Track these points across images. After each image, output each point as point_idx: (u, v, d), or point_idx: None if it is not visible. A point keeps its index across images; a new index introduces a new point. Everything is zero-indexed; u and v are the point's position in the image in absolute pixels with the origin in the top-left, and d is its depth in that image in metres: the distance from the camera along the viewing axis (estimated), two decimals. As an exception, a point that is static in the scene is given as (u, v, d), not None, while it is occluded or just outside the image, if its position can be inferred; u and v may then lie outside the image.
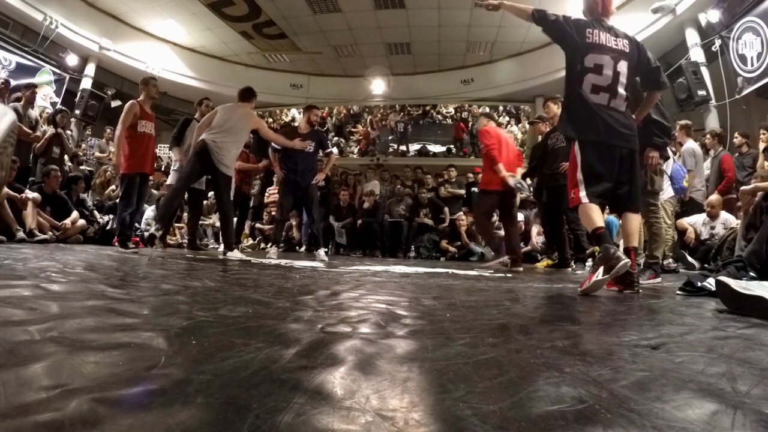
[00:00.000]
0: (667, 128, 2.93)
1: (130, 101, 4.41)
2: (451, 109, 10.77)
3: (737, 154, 5.48)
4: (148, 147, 4.37)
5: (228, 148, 4.03)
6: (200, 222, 7.71)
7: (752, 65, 5.62)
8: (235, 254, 4.03)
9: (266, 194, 8.37)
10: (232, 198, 6.17)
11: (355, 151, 10.92)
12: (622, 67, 2.28)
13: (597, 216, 2.18)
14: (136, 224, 6.44)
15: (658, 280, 2.87)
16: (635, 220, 2.36)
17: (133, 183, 4.28)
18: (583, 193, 2.19)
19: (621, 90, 2.27)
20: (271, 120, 11.36)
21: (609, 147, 2.21)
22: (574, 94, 2.27)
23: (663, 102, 3.00)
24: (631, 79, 2.33)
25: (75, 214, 5.28)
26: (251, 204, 6.46)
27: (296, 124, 5.96)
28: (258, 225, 7.84)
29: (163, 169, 8.37)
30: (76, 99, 8.18)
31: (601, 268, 2.07)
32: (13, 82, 6.15)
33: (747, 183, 4.57)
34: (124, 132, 4.21)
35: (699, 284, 2.03)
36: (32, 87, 6.05)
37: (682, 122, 5.46)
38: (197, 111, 5.18)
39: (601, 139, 2.20)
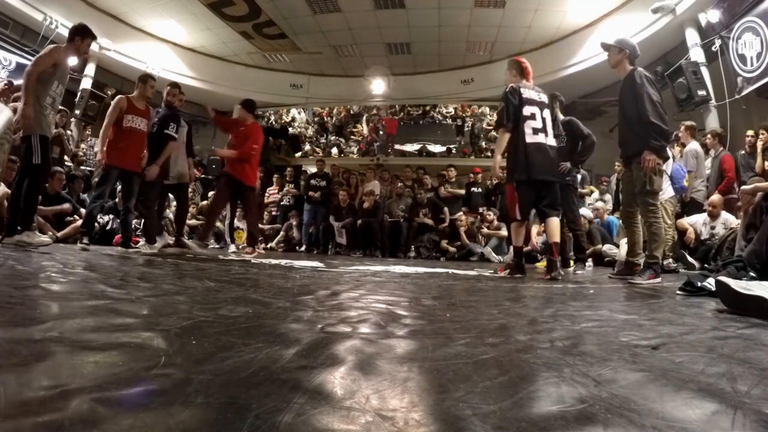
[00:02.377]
0: (664, 131, 2.93)
1: (119, 96, 4.30)
2: (451, 109, 10.76)
3: (743, 152, 5.42)
4: (131, 142, 4.17)
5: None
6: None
7: (752, 65, 5.61)
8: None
9: (266, 194, 8.37)
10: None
11: (355, 151, 10.91)
12: (546, 114, 3.24)
13: (521, 237, 3.38)
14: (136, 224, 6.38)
15: (658, 280, 2.87)
16: (555, 221, 3.27)
17: (108, 175, 4.13)
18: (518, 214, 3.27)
19: (550, 130, 3.23)
20: (273, 120, 11.35)
21: (539, 180, 3.17)
22: (519, 145, 3.14)
23: (663, 103, 3.00)
24: (557, 123, 3.33)
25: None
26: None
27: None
28: (258, 225, 7.84)
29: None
30: (76, 99, 8.17)
31: (507, 271, 3.30)
32: (14, 83, 6.15)
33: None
34: (110, 126, 4.10)
35: (699, 284, 2.03)
36: (32, 87, 6.04)
37: (687, 123, 5.43)
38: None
39: (535, 177, 3.14)
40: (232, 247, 5.54)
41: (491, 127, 10.50)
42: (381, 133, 10.82)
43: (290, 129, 11.23)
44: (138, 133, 4.25)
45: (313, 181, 7.70)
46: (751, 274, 2.02)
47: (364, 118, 10.99)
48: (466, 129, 10.56)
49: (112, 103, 4.23)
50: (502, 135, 3.25)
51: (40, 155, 3.42)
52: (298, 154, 10.95)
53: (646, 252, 3.08)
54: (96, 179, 6.88)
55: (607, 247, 5.55)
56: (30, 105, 3.34)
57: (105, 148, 4.09)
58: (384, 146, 10.73)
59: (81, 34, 3.66)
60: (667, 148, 4.79)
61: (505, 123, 3.19)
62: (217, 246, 7.09)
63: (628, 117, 3.08)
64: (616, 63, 3.16)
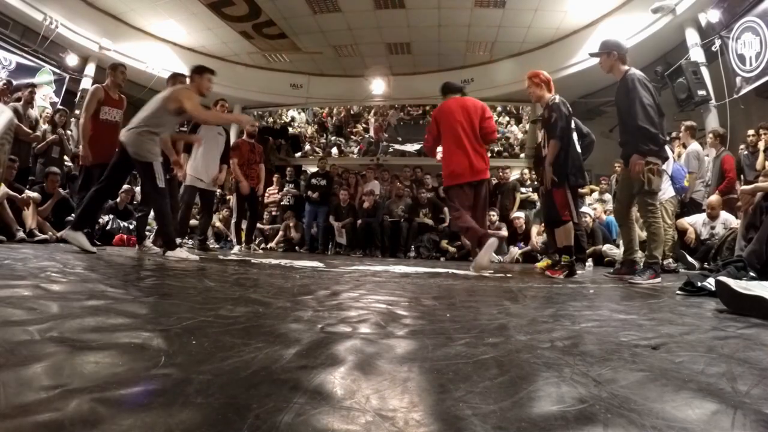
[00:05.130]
0: (652, 135, 2.89)
1: (95, 85, 4.19)
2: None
3: (746, 152, 5.40)
4: (107, 135, 3.98)
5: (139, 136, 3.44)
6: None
7: (751, 65, 5.61)
8: (177, 253, 3.41)
9: (266, 194, 8.38)
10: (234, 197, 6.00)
11: (355, 151, 10.91)
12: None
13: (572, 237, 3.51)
14: (125, 223, 6.31)
15: (658, 280, 2.87)
16: (561, 230, 3.48)
17: (91, 175, 3.99)
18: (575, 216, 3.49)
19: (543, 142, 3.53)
20: (271, 120, 11.36)
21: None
22: (572, 153, 3.37)
23: (658, 105, 2.96)
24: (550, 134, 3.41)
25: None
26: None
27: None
28: (258, 225, 7.84)
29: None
30: (76, 99, 8.17)
31: (565, 273, 3.30)
32: (13, 82, 6.16)
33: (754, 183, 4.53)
34: (89, 120, 3.98)
35: (699, 284, 2.03)
36: (32, 87, 6.05)
37: (687, 123, 5.42)
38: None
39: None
40: (237, 248, 5.54)
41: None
42: (386, 135, 10.83)
43: (290, 129, 11.23)
44: (113, 125, 4.10)
45: (313, 181, 7.69)
46: (751, 274, 2.01)
47: (372, 118, 10.94)
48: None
49: (89, 93, 4.10)
50: (555, 146, 3.35)
51: (163, 179, 3.47)
52: (298, 154, 10.95)
53: (646, 252, 3.08)
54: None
55: (607, 247, 5.55)
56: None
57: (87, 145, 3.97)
58: (386, 146, 10.73)
59: (198, 72, 3.67)
60: (667, 148, 4.80)
61: (558, 134, 3.33)
62: (217, 246, 7.09)
63: (623, 119, 3.10)
64: (610, 67, 3.15)
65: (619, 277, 3.08)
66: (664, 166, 4.60)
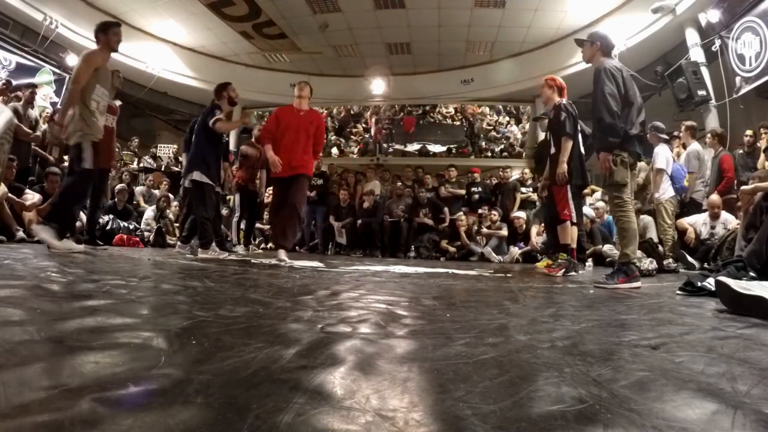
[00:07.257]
0: (607, 125, 2.66)
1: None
2: (452, 109, 10.75)
3: (741, 152, 5.39)
4: (104, 140, 3.87)
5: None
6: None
7: (750, 65, 5.61)
8: (65, 244, 3.24)
9: (266, 194, 8.36)
10: (237, 196, 6.00)
11: (355, 151, 10.91)
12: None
13: (573, 237, 3.70)
14: (125, 223, 6.31)
15: (633, 285, 2.49)
16: (560, 228, 3.66)
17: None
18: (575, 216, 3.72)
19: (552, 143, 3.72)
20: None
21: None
22: (577, 153, 3.61)
23: (628, 96, 2.76)
24: (556, 134, 3.63)
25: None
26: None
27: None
28: (258, 225, 7.83)
29: (162, 169, 8.35)
30: (76, 99, 8.17)
31: (563, 271, 3.44)
32: (13, 82, 6.16)
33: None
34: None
35: (699, 284, 2.03)
36: (32, 87, 6.05)
37: (687, 123, 5.43)
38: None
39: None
40: (240, 248, 5.55)
41: (491, 128, 10.50)
42: (393, 132, 10.83)
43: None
44: (108, 131, 4.02)
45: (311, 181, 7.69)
46: (751, 274, 2.02)
47: (373, 119, 10.93)
48: (465, 128, 10.59)
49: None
50: (567, 143, 3.53)
51: (91, 161, 3.35)
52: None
53: (620, 251, 2.74)
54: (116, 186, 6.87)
55: (607, 248, 5.54)
56: (64, 116, 3.32)
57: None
58: (387, 145, 10.73)
59: (102, 31, 3.52)
60: (665, 146, 4.80)
61: (569, 131, 3.52)
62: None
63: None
64: (590, 57, 3.01)
65: (600, 285, 2.65)
66: (663, 165, 4.60)
